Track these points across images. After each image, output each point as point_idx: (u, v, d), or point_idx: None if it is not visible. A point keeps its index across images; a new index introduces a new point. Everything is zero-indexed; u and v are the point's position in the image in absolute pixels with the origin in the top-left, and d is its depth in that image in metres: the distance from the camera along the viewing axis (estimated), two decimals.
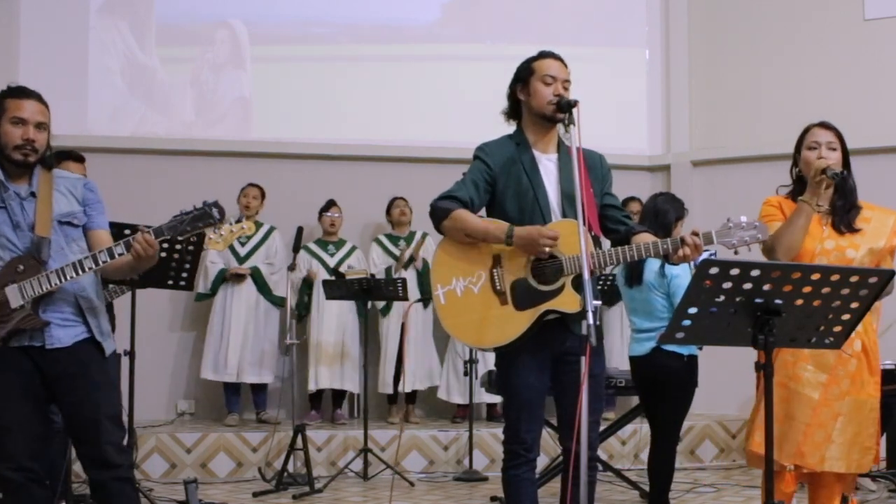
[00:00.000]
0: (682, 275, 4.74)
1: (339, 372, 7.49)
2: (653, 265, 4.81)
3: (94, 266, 3.32)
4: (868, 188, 8.43)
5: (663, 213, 4.89)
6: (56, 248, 3.37)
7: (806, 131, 3.77)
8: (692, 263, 5.39)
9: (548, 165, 3.56)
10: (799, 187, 3.74)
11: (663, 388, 4.83)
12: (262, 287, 7.48)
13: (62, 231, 3.41)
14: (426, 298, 7.42)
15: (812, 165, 3.63)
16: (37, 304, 3.33)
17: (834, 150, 3.69)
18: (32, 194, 3.40)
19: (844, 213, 3.70)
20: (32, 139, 3.36)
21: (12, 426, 3.31)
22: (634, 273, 4.86)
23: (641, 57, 8.86)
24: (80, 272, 3.31)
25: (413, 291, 7.24)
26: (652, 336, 4.76)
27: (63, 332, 3.37)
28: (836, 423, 3.59)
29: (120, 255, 3.31)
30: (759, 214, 3.67)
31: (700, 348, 4.88)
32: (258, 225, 7.47)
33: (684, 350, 4.76)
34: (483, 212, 3.62)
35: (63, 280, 3.31)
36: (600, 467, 5.31)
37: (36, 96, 3.42)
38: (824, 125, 3.76)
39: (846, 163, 3.73)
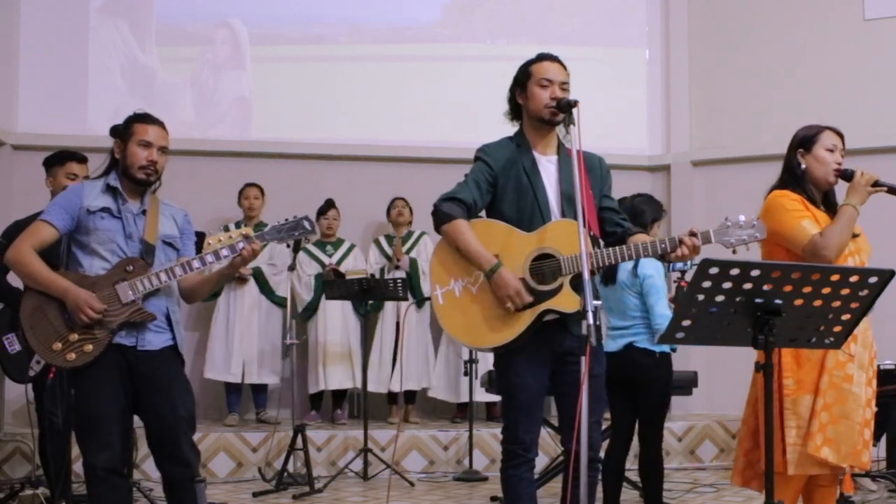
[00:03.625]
0: (654, 275, 4.77)
1: (342, 372, 7.49)
2: (626, 265, 4.82)
3: (200, 266, 3.63)
4: None
5: (640, 214, 4.89)
6: (158, 262, 3.67)
7: (819, 131, 3.75)
8: (675, 265, 5.43)
9: (548, 167, 3.56)
10: (803, 185, 3.72)
11: (637, 385, 4.82)
12: (264, 287, 7.49)
13: (164, 249, 3.73)
14: (418, 300, 7.45)
15: (834, 172, 3.68)
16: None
17: (843, 157, 3.74)
18: (143, 212, 3.71)
19: None
20: (155, 161, 3.69)
21: (109, 420, 3.55)
22: (609, 273, 4.88)
23: (641, 57, 8.86)
24: (187, 271, 3.63)
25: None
26: (624, 334, 4.79)
27: (154, 337, 3.66)
28: (873, 422, 3.63)
29: (225, 256, 3.64)
30: (783, 207, 3.62)
31: (673, 349, 4.92)
32: (259, 226, 7.47)
33: (656, 347, 4.79)
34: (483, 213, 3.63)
35: (171, 278, 3.62)
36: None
37: (160, 123, 3.78)
38: (837, 131, 3.78)
39: None
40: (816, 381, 3.55)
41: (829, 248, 3.52)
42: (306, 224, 3.75)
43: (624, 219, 3.65)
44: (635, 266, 4.79)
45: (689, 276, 5.35)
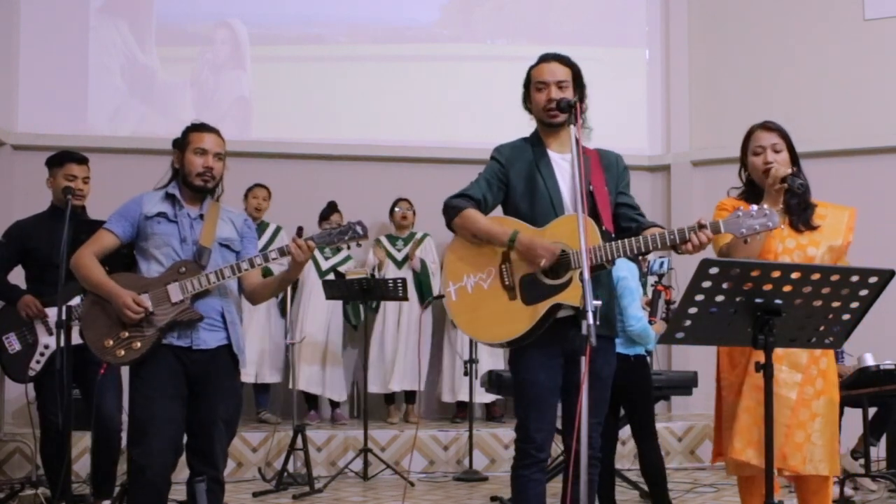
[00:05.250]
0: (628, 276, 4.78)
1: (322, 376, 7.46)
2: None
3: (249, 267, 3.73)
4: (867, 188, 8.46)
5: None
6: (213, 264, 3.76)
7: (750, 135, 3.71)
8: (652, 267, 5.42)
9: (562, 165, 3.57)
10: (750, 189, 3.69)
11: (616, 390, 4.82)
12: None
13: (220, 251, 3.83)
14: (427, 300, 7.43)
15: (764, 172, 3.58)
16: (192, 303, 3.73)
17: (779, 151, 3.64)
18: (201, 216, 3.84)
19: (801, 212, 3.64)
20: (212, 167, 3.82)
21: (160, 424, 3.64)
22: None
23: (641, 57, 8.86)
24: (236, 272, 3.72)
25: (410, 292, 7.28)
26: None
27: (209, 336, 3.76)
28: (815, 423, 3.57)
29: (274, 258, 3.72)
30: (713, 217, 3.57)
31: (648, 351, 4.91)
32: (264, 225, 7.46)
33: (630, 350, 4.80)
34: (499, 210, 3.64)
35: (221, 279, 3.71)
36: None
37: (215, 131, 3.89)
38: (767, 126, 3.70)
39: (794, 160, 3.68)
40: (740, 383, 3.56)
41: (731, 257, 3.46)
42: (359, 229, 3.76)
43: (640, 214, 3.63)
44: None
45: (665, 281, 5.38)
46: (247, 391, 7.54)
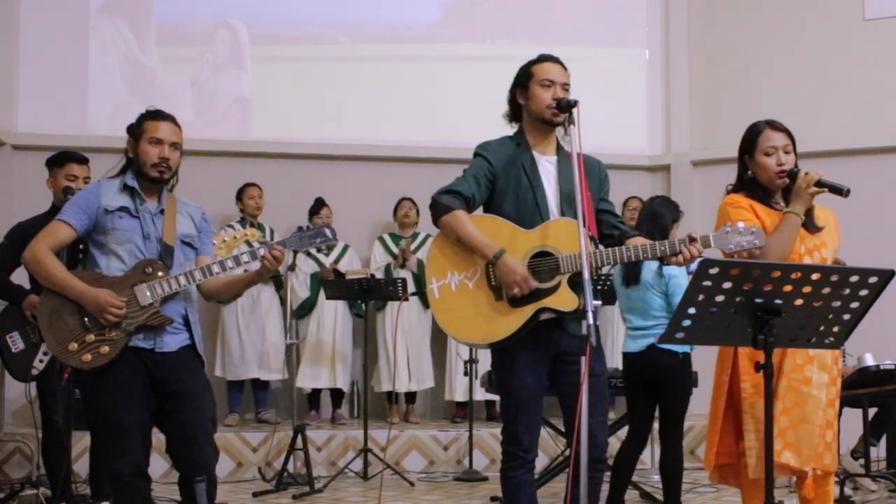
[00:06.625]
0: (679, 275, 4.81)
1: (332, 371, 7.48)
2: (651, 265, 4.87)
3: (220, 271, 3.59)
4: (868, 188, 8.47)
5: (660, 216, 4.95)
6: (177, 262, 3.63)
7: (758, 133, 3.65)
8: (689, 266, 5.43)
9: (547, 167, 3.56)
10: (754, 188, 3.65)
11: (660, 386, 4.86)
12: (280, 288, 7.50)
13: (182, 249, 3.68)
14: (422, 294, 7.42)
15: (778, 174, 3.57)
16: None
17: (789, 153, 3.62)
18: (161, 211, 3.66)
19: (807, 214, 3.61)
20: (167, 157, 3.62)
21: (131, 424, 3.51)
22: (632, 273, 4.92)
23: (641, 57, 8.87)
24: (207, 276, 3.58)
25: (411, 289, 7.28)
26: (647, 334, 4.83)
27: (171, 339, 3.60)
28: (836, 421, 3.61)
29: (246, 262, 3.60)
30: (728, 216, 3.54)
31: (691, 348, 4.93)
32: (260, 228, 7.46)
33: (678, 348, 4.80)
34: (480, 209, 3.63)
35: (191, 282, 3.58)
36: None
37: (171, 118, 3.70)
38: (776, 126, 3.66)
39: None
40: (775, 385, 3.49)
41: (767, 258, 3.43)
42: (328, 232, 3.68)
43: (621, 222, 3.64)
44: (660, 266, 4.82)
45: None
46: (246, 391, 7.56)
